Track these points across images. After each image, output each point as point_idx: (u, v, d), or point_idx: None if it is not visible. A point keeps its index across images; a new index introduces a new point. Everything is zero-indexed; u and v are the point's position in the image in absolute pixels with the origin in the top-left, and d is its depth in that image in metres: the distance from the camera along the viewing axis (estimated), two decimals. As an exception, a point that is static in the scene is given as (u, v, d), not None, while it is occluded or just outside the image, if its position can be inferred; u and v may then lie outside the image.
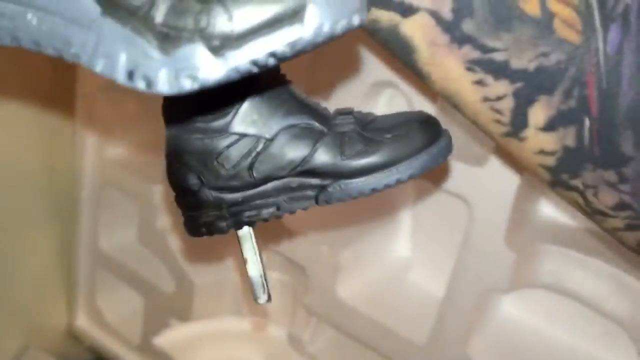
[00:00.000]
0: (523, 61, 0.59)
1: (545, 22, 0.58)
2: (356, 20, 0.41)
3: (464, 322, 0.90)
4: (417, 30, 0.61)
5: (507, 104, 0.61)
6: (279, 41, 0.38)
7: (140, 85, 0.39)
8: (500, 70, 0.60)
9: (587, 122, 0.59)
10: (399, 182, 0.61)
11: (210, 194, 0.60)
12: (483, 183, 0.84)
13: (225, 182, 0.60)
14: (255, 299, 0.64)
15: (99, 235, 1.24)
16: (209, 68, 0.38)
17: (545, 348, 0.95)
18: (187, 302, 1.17)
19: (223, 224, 0.61)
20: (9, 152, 1.08)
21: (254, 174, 0.60)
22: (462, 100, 0.63)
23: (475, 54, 0.60)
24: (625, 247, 0.69)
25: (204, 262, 1.17)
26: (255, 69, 0.40)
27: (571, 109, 0.59)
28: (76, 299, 1.30)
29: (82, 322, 1.31)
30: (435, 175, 0.89)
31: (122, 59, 0.38)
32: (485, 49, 0.60)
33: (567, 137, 0.60)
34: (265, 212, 0.61)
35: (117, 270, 1.25)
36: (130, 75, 0.39)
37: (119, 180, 1.17)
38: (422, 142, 0.62)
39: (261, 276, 0.63)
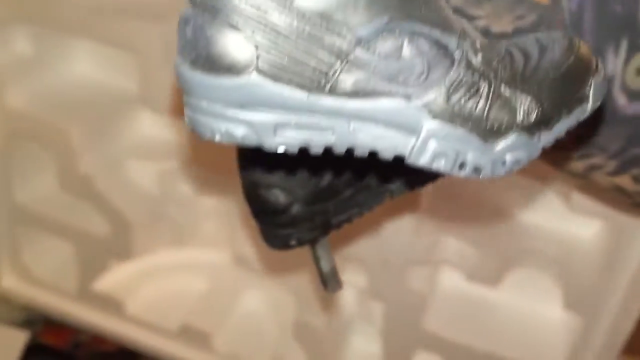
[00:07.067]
0: (502, 25, 0.67)
1: (520, -11, 0.66)
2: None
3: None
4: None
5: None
6: (575, 119, 0.47)
7: (471, 174, 0.45)
8: (483, 34, 0.68)
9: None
10: None
11: (301, 209, 0.59)
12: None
13: (316, 195, 0.59)
14: (330, 290, 0.67)
15: (14, 189, 1.20)
16: (530, 150, 0.46)
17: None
18: (124, 241, 1.17)
19: (315, 233, 0.62)
20: None
21: None
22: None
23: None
24: None
25: (137, 198, 1.17)
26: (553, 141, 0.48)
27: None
28: (-1, 259, 1.26)
29: (9, 281, 1.28)
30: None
31: (455, 155, 0.44)
32: (470, 17, 0.67)
33: None
34: (352, 214, 0.62)
35: (39, 222, 1.21)
36: (462, 166, 0.44)
37: (26, 130, 1.12)
38: None
39: (332, 269, 0.66)
